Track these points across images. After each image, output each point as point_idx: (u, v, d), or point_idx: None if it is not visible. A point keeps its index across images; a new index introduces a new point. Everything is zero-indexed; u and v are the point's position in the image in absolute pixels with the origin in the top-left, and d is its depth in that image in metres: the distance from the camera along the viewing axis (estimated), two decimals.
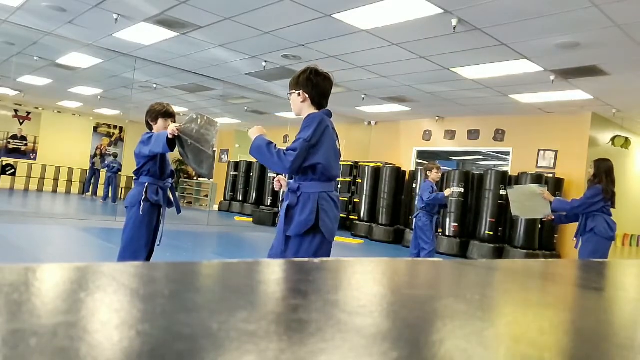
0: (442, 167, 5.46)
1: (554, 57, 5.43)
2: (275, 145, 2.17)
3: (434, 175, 4.98)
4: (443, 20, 4.69)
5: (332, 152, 2.21)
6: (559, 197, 4.13)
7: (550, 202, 4.02)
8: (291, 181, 2.29)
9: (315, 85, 2.24)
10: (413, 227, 5.21)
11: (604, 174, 3.98)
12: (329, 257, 2.34)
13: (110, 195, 12.22)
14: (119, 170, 12.20)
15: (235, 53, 6.76)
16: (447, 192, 4.98)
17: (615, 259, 3.86)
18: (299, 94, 2.27)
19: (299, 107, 2.29)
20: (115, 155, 12.74)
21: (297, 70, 2.33)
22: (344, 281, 0.68)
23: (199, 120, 2.69)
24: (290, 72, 7.10)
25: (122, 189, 14.09)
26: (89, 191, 13.27)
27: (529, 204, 4.10)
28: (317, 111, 2.26)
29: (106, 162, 12.42)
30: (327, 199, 2.20)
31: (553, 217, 4.12)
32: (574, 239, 4.10)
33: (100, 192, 12.70)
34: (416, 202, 5.24)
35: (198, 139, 2.66)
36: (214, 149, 2.74)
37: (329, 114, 2.29)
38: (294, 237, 2.20)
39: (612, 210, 4.02)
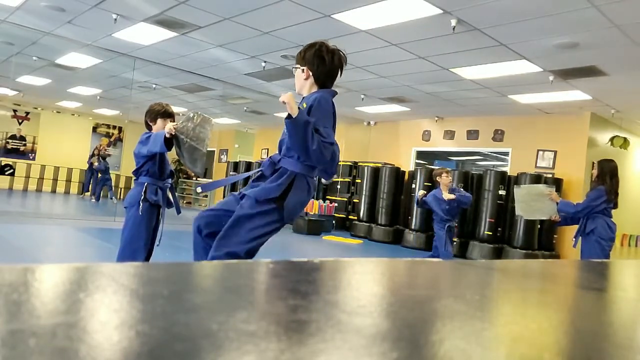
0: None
1: (553, 57, 5.43)
2: (320, 140, 1.93)
3: (444, 180, 4.88)
4: (442, 20, 4.69)
5: None
6: (564, 199, 4.11)
7: (557, 203, 4.00)
8: (275, 154, 2.15)
9: (321, 63, 2.08)
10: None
11: (607, 175, 3.96)
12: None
13: (110, 195, 12.41)
14: (106, 170, 12.48)
15: (234, 53, 6.76)
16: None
17: (613, 259, 3.86)
18: (302, 71, 2.11)
19: (301, 84, 2.14)
20: (103, 157, 12.92)
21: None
22: (344, 281, 0.68)
23: (195, 118, 2.69)
24: (289, 73, 7.10)
25: (121, 189, 14.09)
26: (87, 191, 13.28)
27: (535, 205, 4.06)
28: (320, 90, 2.10)
29: (100, 165, 12.61)
30: (303, 181, 2.08)
31: (559, 219, 4.08)
32: (573, 239, 4.10)
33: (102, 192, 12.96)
34: None
35: (193, 138, 2.67)
36: (207, 147, 2.75)
37: (334, 94, 2.15)
38: (252, 199, 2.05)
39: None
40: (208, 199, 14.42)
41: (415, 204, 5.00)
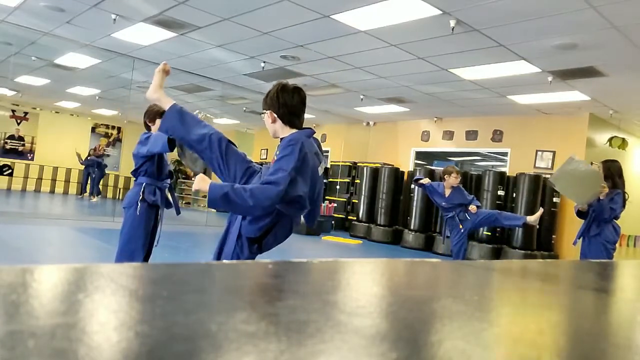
0: (439, 168, 5.40)
1: (551, 58, 5.44)
2: (236, 185, 1.87)
3: (452, 180, 4.75)
4: (441, 21, 4.69)
5: (311, 181, 2.01)
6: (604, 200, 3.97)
7: (598, 199, 3.89)
8: None
9: (283, 103, 2.04)
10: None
11: (615, 176, 3.94)
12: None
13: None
14: (99, 166, 12.85)
15: (233, 53, 6.76)
16: (424, 181, 4.87)
17: (613, 260, 3.87)
18: (268, 114, 2.08)
19: (272, 128, 2.09)
20: (97, 155, 13.24)
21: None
22: (343, 282, 0.68)
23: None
24: (288, 73, 7.10)
25: (120, 189, 14.09)
26: (86, 192, 13.29)
27: (577, 184, 3.75)
28: (293, 132, 2.05)
29: (99, 159, 12.93)
30: (287, 223, 2.04)
31: (585, 209, 3.96)
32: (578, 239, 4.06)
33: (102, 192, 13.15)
34: None
35: None
36: None
37: (310, 134, 2.09)
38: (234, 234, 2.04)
39: None
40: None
41: (413, 183, 4.91)
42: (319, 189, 2.13)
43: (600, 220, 3.95)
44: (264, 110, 2.10)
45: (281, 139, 2.09)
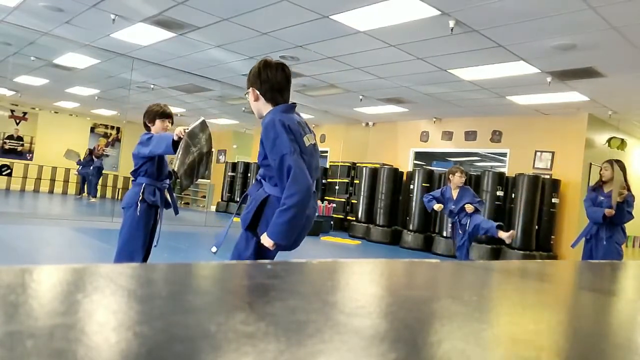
0: (438, 169, 5.36)
1: (550, 58, 5.45)
2: (276, 214, 1.86)
3: (457, 180, 4.70)
4: (440, 21, 4.70)
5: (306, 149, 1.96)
6: (621, 205, 3.98)
7: (619, 201, 3.93)
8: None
9: (265, 79, 1.98)
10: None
11: (626, 177, 3.98)
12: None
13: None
14: (98, 170, 12.93)
15: (233, 54, 6.76)
16: (436, 207, 4.71)
17: (611, 260, 3.88)
18: (251, 92, 2.02)
19: (255, 107, 2.04)
20: (97, 156, 13.21)
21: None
22: (342, 282, 0.68)
23: (206, 130, 2.64)
24: None
25: (119, 189, 14.08)
26: (84, 191, 13.28)
27: (614, 187, 3.94)
28: (272, 110, 1.98)
29: (97, 162, 12.93)
30: (274, 203, 1.94)
31: (613, 213, 4.00)
32: (588, 238, 4.06)
33: (100, 192, 13.09)
34: None
35: (198, 143, 2.62)
36: (211, 150, 2.72)
37: (289, 109, 2.01)
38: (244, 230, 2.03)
39: None
40: (206, 200, 14.40)
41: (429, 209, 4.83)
42: (316, 159, 2.06)
43: (614, 223, 3.97)
44: (246, 90, 2.06)
45: None
